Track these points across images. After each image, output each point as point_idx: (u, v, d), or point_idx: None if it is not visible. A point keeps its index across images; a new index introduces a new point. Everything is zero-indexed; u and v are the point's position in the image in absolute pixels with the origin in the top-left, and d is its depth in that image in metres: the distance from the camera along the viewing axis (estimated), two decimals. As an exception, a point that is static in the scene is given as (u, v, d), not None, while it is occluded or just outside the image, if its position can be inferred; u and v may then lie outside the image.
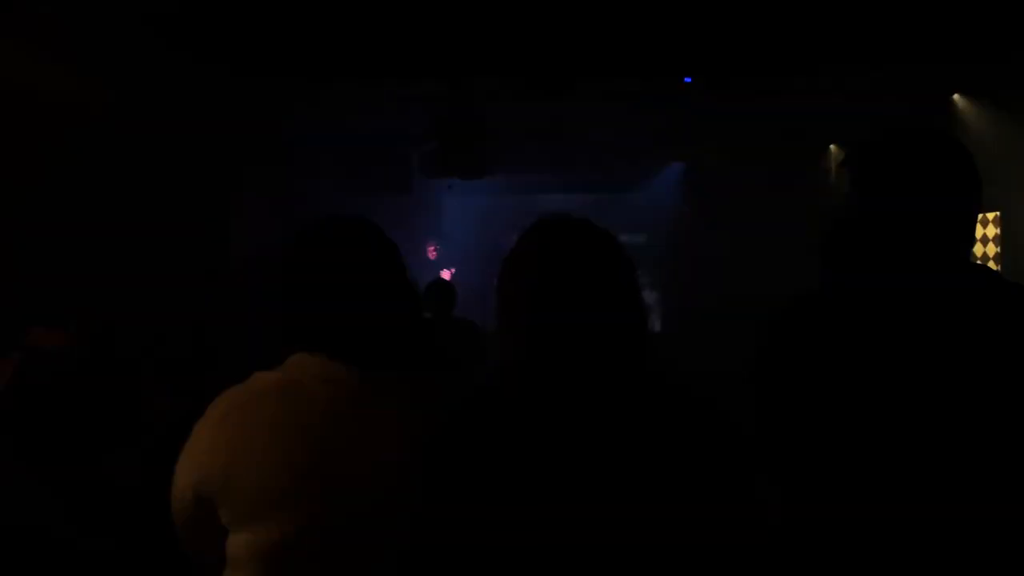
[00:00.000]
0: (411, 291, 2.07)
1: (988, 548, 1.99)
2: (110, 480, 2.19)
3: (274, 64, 5.49)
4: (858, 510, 2.04)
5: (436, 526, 1.79)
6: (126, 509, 2.10)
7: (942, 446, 2.00)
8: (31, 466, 1.84)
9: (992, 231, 7.53)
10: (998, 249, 7.49)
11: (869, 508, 2.03)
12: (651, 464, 1.73)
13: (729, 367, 3.54)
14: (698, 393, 1.86)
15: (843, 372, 2.07)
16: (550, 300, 1.83)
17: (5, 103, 3.52)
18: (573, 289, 1.83)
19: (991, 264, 7.33)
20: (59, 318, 2.47)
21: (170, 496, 1.93)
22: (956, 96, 7.84)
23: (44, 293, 2.52)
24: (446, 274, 11.69)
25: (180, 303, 4.07)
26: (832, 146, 9.73)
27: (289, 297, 1.97)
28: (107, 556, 1.94)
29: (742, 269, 9.08)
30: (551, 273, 1.85)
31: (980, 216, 7.36)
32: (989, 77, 7.17)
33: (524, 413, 1.79)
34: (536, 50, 5.68)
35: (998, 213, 7.43)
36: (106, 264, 2.67)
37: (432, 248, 12.20)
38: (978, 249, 7.56)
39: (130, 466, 2.19)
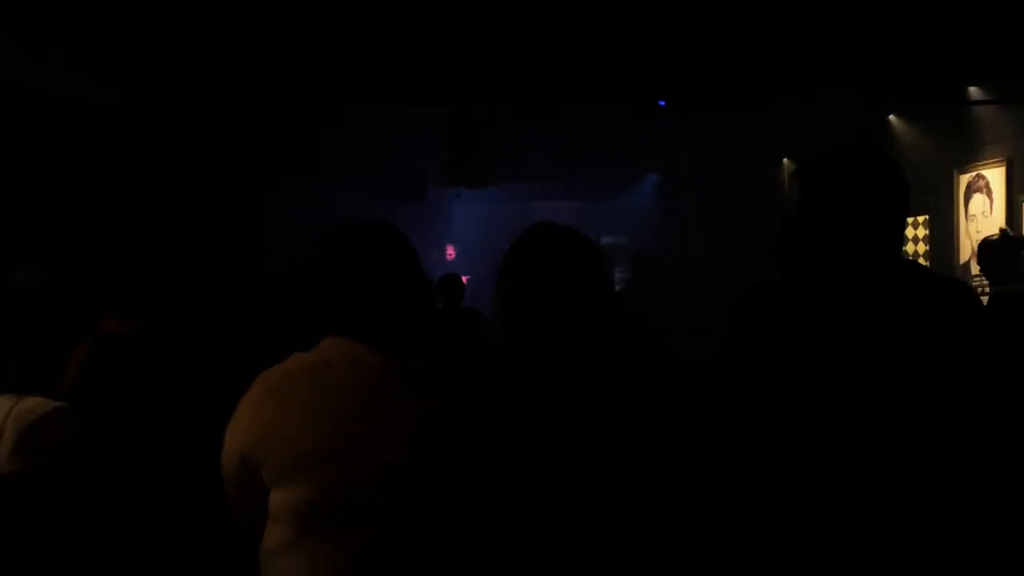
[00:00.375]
0: (426, 284, 2.08)
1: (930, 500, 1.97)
2: (169, 450, 2.20)
3: (306, 91, 5.53)
4: (813, 478, 2.03)
5: (463, 477, 1.88)
6: (183, 476, 2.11)
7: (883, 411, 2.01)
8: (99, 437, 1.84)
9: (922, 232, 7.54)
10: (927, 247, 7.50)
11: (823, 475, 2.02)
12: (613, 419, 1.93)
13: (695, 347, 3.65)
14: (650, 366, 2.05)
15: (792, 351, 2.08)
16: (537, 294, 1.97)
17: (81, 119, 3.53)
18: (556, 285, 1.98)
19: (921, 260, 7.34)
20: (126, 310, 2.48)
21: (220, 461, 1.94)
22: (892, 116, 7.85)
23: (112, 289, 2.53)
24: (449, 250, 11.72)
25: (226, 296, 4.07)
26: (785, 159, 9.73)
27: (319, 290, 1.97)
28: (167, 518, 1.95)
29: (706, 265, 9.10)
30: (538, 272, 1.99)
31: (911, 219, 7.40)
32: (920, 100, 7.19)
33: (523, 383, 1.94)
34: (532, 79, 5.70)
35: (927, 217, 7.45)
36: (163, 263, 2.69)
37: (450, 248, 12.18)
38: (909, 248, 7.57)
39: (185, 437, 2.19)
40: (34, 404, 1.76)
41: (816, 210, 2.18)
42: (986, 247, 4.72)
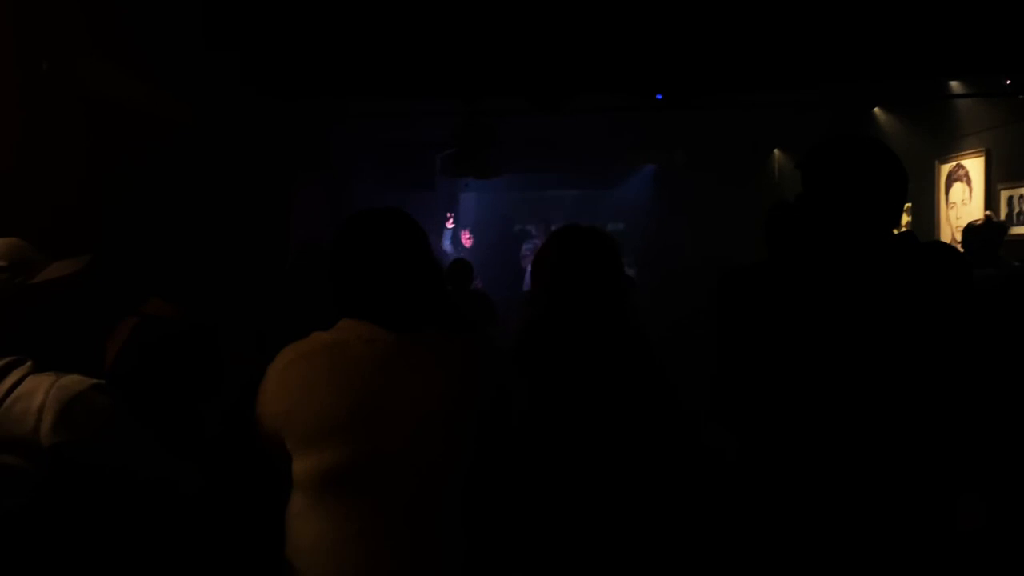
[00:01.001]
0: (436, 268, 2.10)
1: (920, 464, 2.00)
2: (204, 424, 2.24)
3: (322, 88, 5.56)
4: (809, 451, 2.05)
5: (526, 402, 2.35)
6: (216, 449, 2.15)
7: (876, 372, 2.02)
8: (137, 410, 1.88)
9: (905, 219, 7.56)
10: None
11: (819, 448, 2.04)
12: (618, 371, 2.49)
13: (687, 322, 4.00)
14: (647, 333, 2.61)
15: (784, 323, 2.09)
16: (565, 281, 2.55)
17: (119, 116, 3.57)
18: (580, 272, 2.54)
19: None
20: (167, 294, 2.51)
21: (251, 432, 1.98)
22: (877, 109, 7.85)
23: (149, 277, 2.57)
24: (465, 236, 11.71)
25: (252, 282, 4.11)
26: (776, 150, 9.74)
27: (338, 273, 2.00)
28: (199, 490, 1.98)
29: (700, 249, 9.10)
30: (565, 263, 2.56)
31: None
32: (903, 94, 7.20)
33: (556, 339, 2.51)
34: (533, 74, 5.71)
35: (909, 204, 7.46)
36: (194, 252, 2.73)
37: (466, 234, 12.13)
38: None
39: (218, 412, 2.23)
40: (72, 381, 1.77)
41: (818, 198, 2.18)
42: (970, 232, 4.75)
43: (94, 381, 1.79)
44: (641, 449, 2.39)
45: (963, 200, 6.82)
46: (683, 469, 2.43)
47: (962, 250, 4.84)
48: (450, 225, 11.77)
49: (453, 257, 11.21)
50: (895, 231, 2.19)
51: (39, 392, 1.73)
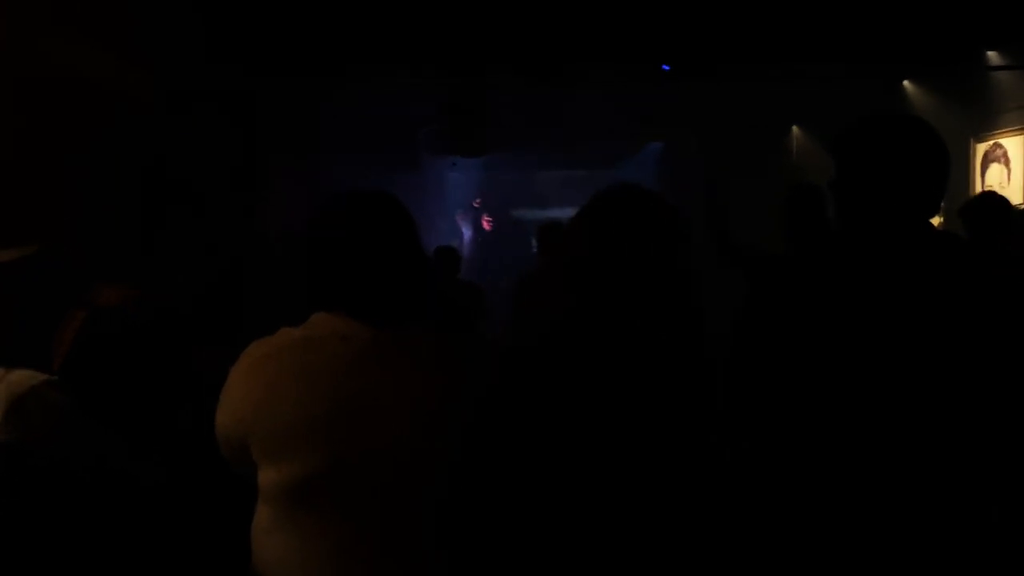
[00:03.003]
0: (422, 257, 2.07)
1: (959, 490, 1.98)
2: (168, 424, 2.24)
3: (300, 64, 5.55)
4: (836, 467, 2.03)
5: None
6: (182, 449, 2.15)
7: (912, 392, 1.99)
8: (92, 411, 1.88)
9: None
10: (941, 219, 7.51)
11: (847, 463, 2.02)
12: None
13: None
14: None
15: (818, 330, 2.07)
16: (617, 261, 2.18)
17: (65, 87, 3.56)
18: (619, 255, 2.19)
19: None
20: (119, 280, 2.49)
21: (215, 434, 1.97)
22: (906, 82, 7.86)
23: (101, 260, 2.55)
24: (485, 220, 11.73)
25: (220, 267, 4.10)
26: (794, 127, 9.74)
27: (313, 263, 1.98)
28: (162, 487, 1.99)
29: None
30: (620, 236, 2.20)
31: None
32: (936, 64, 7.20)
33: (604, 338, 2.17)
34: (529, 40, 5.70)
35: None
36: (152, 238, 2.72)
37: (486, 219, 12.11)
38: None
39: (185, 411, 2.23)
40: (23, 376, 1.80)
41: (854, 184, 2.14)
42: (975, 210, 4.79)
43: (45, 377, 1.81)
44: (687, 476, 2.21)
45: (1001, 183, 6.83)
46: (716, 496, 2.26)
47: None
48: (476, 205, 11.76)
49: (469, 243, 11.22)
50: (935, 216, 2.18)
51: None
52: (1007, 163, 6.79)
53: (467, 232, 11.46)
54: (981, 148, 7.09)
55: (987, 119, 7.05)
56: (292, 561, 1.87)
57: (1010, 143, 6.75)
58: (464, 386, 1.96)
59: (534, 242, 8.26)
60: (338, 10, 5.14)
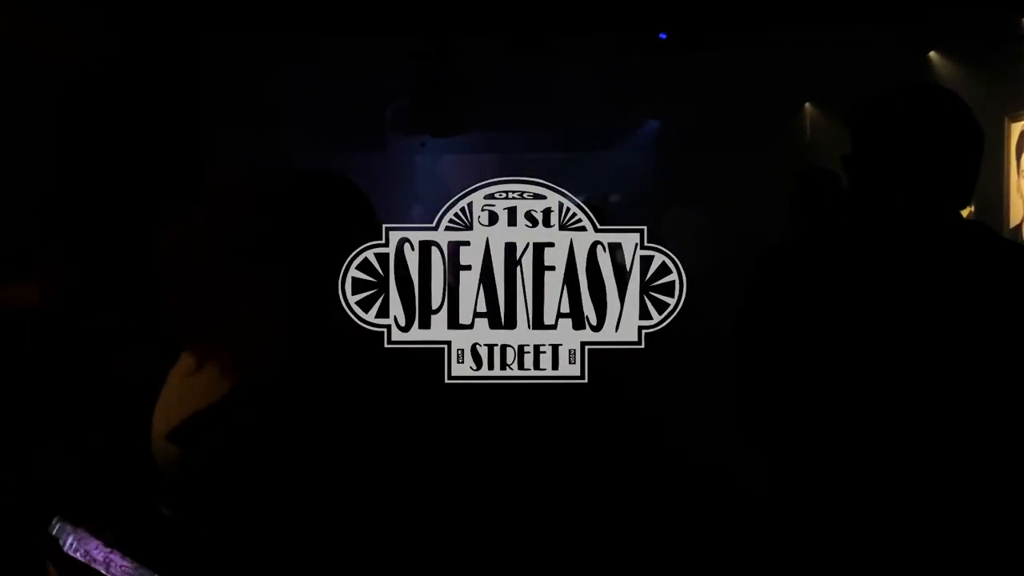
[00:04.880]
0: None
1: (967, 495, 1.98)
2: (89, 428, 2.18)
3: (252, 26, 5.49)
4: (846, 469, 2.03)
5: None
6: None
7: (928, 389, 1.99)
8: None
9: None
10: (972, 208, 7.50)
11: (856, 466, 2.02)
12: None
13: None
14: None
15: (825, 321, 2.06)
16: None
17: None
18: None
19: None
20: (30, 269, 2.45)
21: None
22: (933, 53, 7.85)
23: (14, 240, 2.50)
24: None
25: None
26: (807, 103, 9.73)
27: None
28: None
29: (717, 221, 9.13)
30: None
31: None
32: (967, 34, 7.19)
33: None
34: (510, 8, 5.66)
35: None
36: (78, 217, 2.65)
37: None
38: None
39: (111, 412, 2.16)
40: None
41: (872, 161, 2.12)
42: None
43: None
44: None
45: (1038, 167, 6.83)
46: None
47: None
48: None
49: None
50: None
51: None
52: (1046, 145, 6.79)
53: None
54: (1017, 128, 7.08)
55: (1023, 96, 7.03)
56: None
57: (1049, 123, 6.75)
58: None
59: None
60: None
